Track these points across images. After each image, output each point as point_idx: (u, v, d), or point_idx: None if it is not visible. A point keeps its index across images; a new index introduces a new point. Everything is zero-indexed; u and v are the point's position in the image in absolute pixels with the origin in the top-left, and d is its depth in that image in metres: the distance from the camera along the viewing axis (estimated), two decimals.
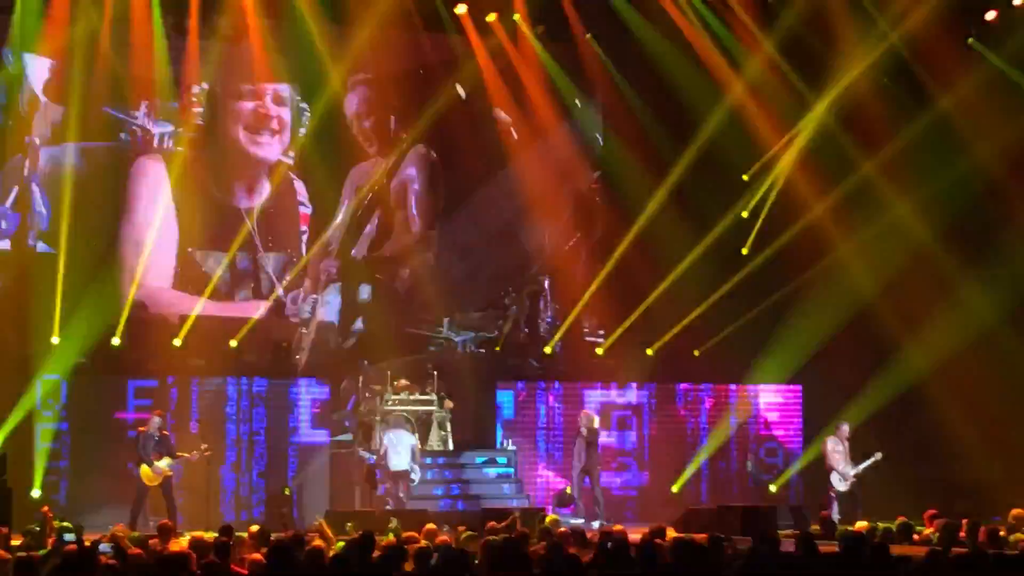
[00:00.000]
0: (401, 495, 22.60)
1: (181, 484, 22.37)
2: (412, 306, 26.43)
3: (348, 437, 24.49)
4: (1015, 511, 19.11)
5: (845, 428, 23.73)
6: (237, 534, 14.63)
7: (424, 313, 26.38)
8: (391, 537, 15.87)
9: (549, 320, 27.28)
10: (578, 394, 26.19)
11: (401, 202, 26.40)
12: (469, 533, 14.48)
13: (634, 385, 26.50)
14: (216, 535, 14.10)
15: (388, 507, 22.11)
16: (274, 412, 24.62)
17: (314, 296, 25.88)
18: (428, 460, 24.19)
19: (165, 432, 22.10)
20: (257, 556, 12.30)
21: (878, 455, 23.33)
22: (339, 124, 26.07)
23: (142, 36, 24.39)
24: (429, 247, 26.63)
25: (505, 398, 25.99)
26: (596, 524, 21.87)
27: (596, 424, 24.30)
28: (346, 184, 26.35)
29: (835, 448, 23.60)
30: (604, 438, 25.36)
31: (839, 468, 23.47)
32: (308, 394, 24.67)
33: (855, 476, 23.40)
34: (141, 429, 22.19)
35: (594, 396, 26.13)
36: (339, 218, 26.21)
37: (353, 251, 26.28)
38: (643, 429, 26.51)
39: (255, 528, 15.20)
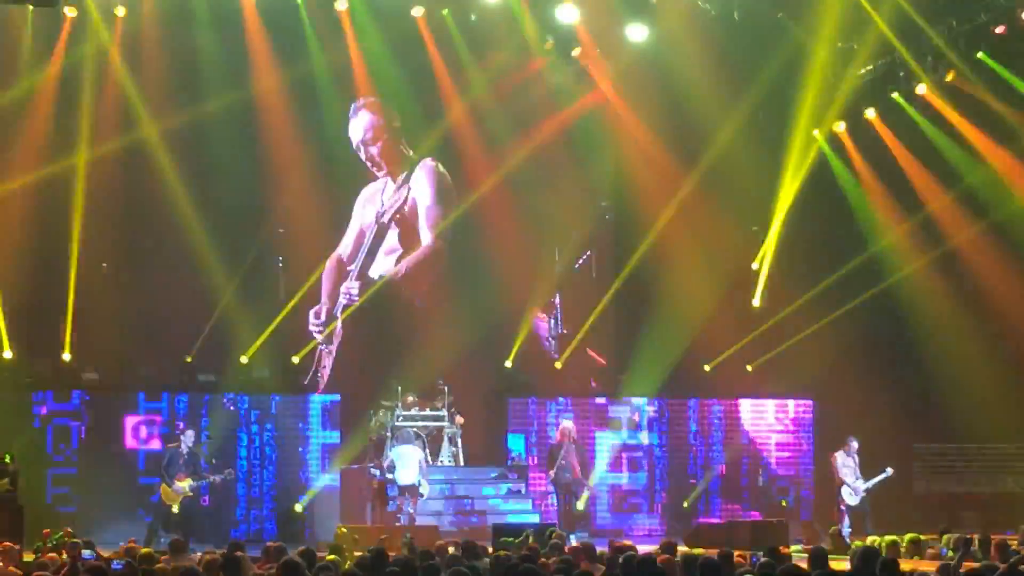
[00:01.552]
0: (411, 510, 22.59)
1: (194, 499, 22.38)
2: (431, 323, 26.43)
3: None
4: None
5: (854, 443, 23.64)
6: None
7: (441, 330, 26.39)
8: (405, 552, 15.88)
9: (558, 337, 27.26)
10: (587, 409, 26.14)
11: (413, 216, 26.46)
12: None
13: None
14: (225, 551, 14.10)
15: (398, 523, 22.09)
16: (286, 428, 24.60)
17: (335, 315, 25.91)
18: (439, 475, 24.18)
19: (195, 450, 21.97)
20: (268, 572, 12.31)
21: (889, 470, 23.25)
22: (347, 145, 26.14)
23: (149, 53, 24.53)
24: (440, 260, 26.64)
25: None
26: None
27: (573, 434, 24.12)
28: (356, 204, 26.40)
29: (844, 463, 23.53)
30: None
31: (849, 482, 23.39)
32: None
33: (866, 491, 23.33)
34: (170, 445, 22.10)
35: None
36: (349, 238, 26.22)
37: (371, 270, 26.30)
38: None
39: (271, 544, 15.20)
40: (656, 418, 26.47)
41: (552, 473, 23.51)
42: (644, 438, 26.33)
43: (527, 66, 26.75)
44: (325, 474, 24.48)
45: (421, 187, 26.39)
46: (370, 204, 26.39)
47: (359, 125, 26.15)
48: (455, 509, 24.11)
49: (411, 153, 26.48)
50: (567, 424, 24.02)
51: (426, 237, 26.46)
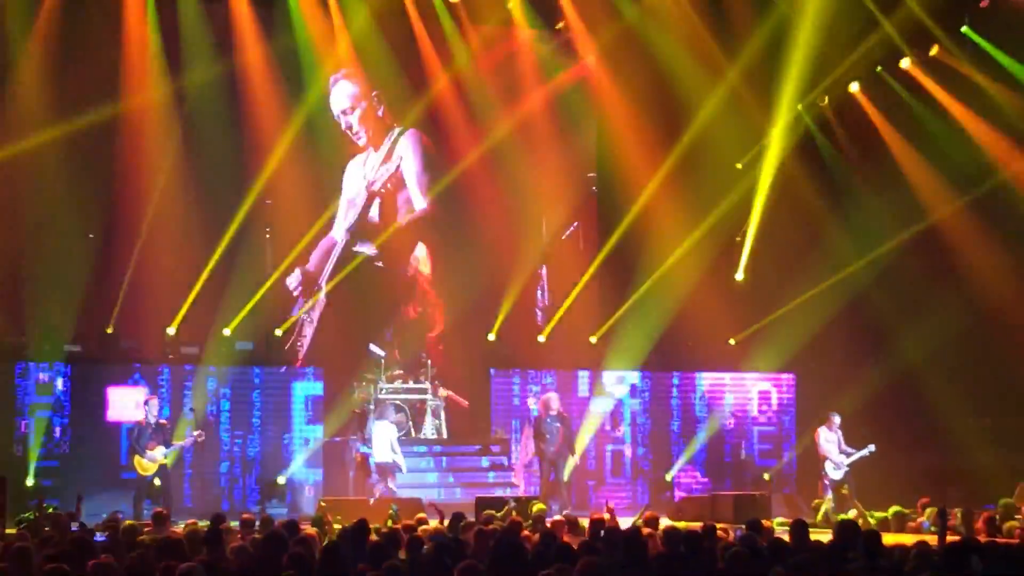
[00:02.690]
0: (391, 484, 22.58)
1: (177, 472, 22.33)
2: (414, 291, 26.44)
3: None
4: (1004, 500, 19.23)
5: (836, 418, 23.68)
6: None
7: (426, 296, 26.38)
8: (391, 524, 15.90)
9: (544, 309, 27.29)
10: (572, 382, 26.18)
11: (399, 185, 26.39)
12: (467, 522, 14.51)
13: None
14: (209, 523, 14.12)
15: (381, 496, 22.07)
16: (269, 400, 24.59)
17: (320, 285, 25.86)
18: (422, 448, 24.19)
19: (163, 421, 21.96)
20: (248, 543, 12.32)
21: (871, 447, 23.27)
22: (333, 116, 26.07)
23: (134, 23, 24.41)
24: (435, 225, 26.59)
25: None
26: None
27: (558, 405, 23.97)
28: (344, 176, 26.33)
29: (827, 438, 23.57)
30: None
31: (832, 457, 23.43)
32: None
33: (848, 465, 23.38)
34: (139, 420, 22.09)
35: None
36: (341, 210, 26.13)
37: (357, 243, 26.23)
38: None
39: (246, 515, 15.22)
40: (639, 391, 26.51)
41: (536, 446, 23.53)
42: (627, 412, 26.37)
43: (512, 38, 26.73)
44: (307, 447, 24.48)
45: (408, 156, 26.31)
46: (356, 175, 26.33)
47: (338, 95, 26.09)
48: (438, 482, 24.13)
49: (393, 123, 26.41)
50: (550, 396, 24.00)
51: (420, 202, 26.38)
